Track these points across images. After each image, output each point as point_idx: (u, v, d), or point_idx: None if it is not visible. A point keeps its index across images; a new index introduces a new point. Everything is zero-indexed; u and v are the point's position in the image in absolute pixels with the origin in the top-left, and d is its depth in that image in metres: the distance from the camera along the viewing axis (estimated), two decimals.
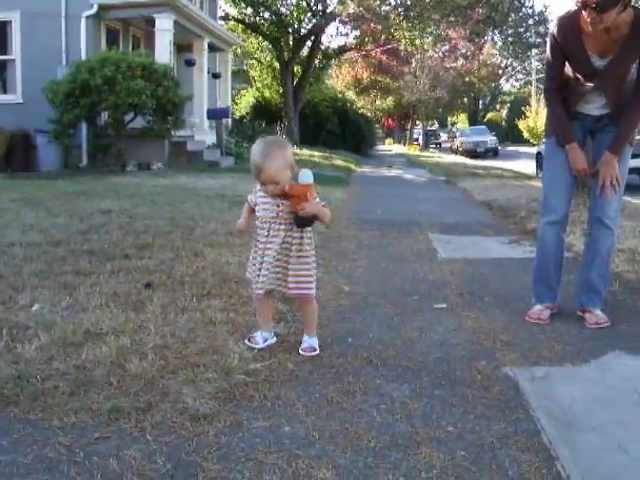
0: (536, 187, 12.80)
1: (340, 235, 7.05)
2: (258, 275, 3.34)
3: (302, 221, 3.27)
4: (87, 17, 15.65)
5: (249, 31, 32.35)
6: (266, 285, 3.35)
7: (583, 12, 3.53)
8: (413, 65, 44.47)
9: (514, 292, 4.71)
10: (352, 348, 3.46)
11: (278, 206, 3.27)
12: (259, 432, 2.53)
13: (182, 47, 19.61)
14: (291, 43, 32.02)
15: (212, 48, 20.88)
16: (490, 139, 38.95)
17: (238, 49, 30.41)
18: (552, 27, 3.96)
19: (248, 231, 3.52)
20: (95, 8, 15.60)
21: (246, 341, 3.41)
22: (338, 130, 31.58)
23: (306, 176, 3.27)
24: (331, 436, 2.51)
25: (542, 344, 3.59)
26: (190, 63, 18.97)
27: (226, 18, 30.99)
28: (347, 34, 35.54)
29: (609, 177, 3.85)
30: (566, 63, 3.87)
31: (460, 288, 4.81)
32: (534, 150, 21.65)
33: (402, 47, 36.58)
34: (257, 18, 31.56)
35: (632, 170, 13.35)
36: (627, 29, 3.58)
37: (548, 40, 3.98)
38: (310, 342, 3.42)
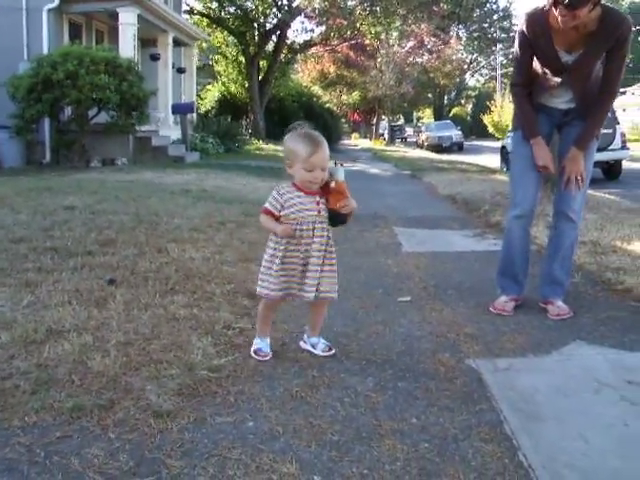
0: (500, 181, 12.94)
1: None
2: (299, 283, 3.12)
3: (340, 219, 3.12)
4: (49, 10, 15.49)
5: (214, 25, 32.19)
6: (313, 291, 3.13)
7: (554, 9, 3.55)
8: (379, 60, 44.49)
9: (478, 285, 4.75)
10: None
11: (318, 203, 3.08)
12: (223, 428, 2.52)
13: (146, 42, 19.49)
14: (257, 38, 31.96)
15: (177, 43, 20.77)
16: (455, 134, 39.14)
17: (203, 44, 30.24)
18: (520, 23, 3.97)
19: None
20: (57, 1, 15.46)
21: (253, 355, 3.24)
22: None
23: (342, 172, 3.10)
24: (295, 430, 2.51)
25: (505, 336, 3.62)
26: (155, 58, 18.85)
27: (191, 12, 30.83)
28: (312, 29, 35.53)
29: (574, 173, 3.89)
30: (534, 58, 3.91)
31: (424, 281, 4.84)
32: (498, 144, 21.83)
33: (368, 42, 36.66)
34: (222, 12, 31.49)
35: (595, 164, 13.31)
36: (595, 25, 3.61)
37: (516, 36, 3.99)
38: (325, 341, 3.36)
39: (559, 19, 3.54)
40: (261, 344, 3.29)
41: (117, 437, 2.41)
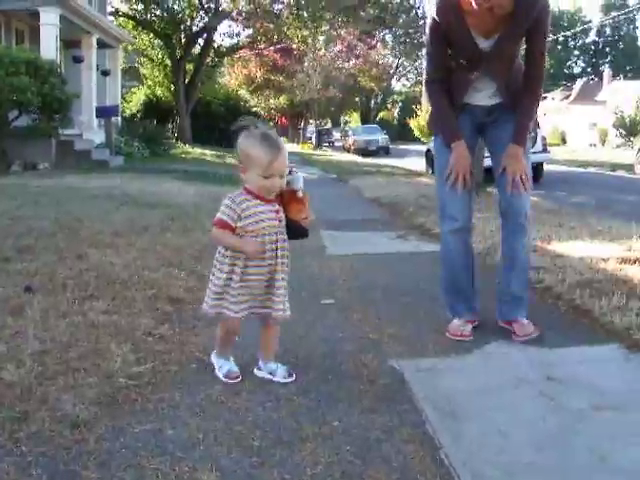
0: (424, 183, 13.13)
1: None
2: (263, 300, 2.91)
3: (301, 232, 2.89)
4: None
5: (140, 28, 31.80)
6: (284, 309, 2.95)
7: None
8: (306, 64, 44.62)
9: (402, 285, 4.79)
10: (238, 347, 3.40)
11: (277, 212, 2.82)
12: (141, 436, 2.47)
13: (70, 43, 19.07)
14: (183, 41, 31.72)
15: (101, 44, 20.39)
16: (382, 137, 39.62)
17: (129, 46, 29.80)
18: (430, 9, 3.62)
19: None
20: None
21: (223, 379, 3.00)
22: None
23: (301, 179, 2.84)
24: (216, 437, 2.48)
25: (428, 336, 3.65)
26: (78, 60, 18.47)
27: (116, 14, 30.39)
28: (239, 33, 35.44)
29: (519, 172, 3.51)
30: (447, 49, 3.58)
31: (348, 283, 4.85)
32: (424, 148, 22.11)
33: (295, 46, 36.74)
34: (148, 15, 31.14)
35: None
36: (510, 6, 3.28)
37: (427, 25, 3.61)
38: (284, 366, 3.07)
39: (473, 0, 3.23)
40: (228, 365, 3.06)
41: (30, 450, 2.32)
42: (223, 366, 3.06)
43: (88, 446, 2.37)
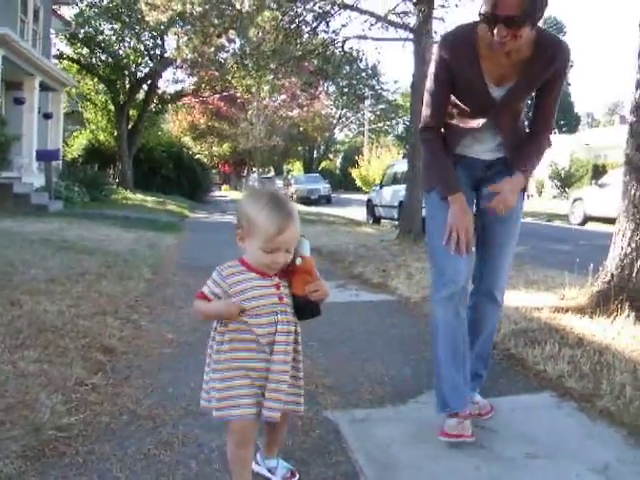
0: (364, 233, 13.27)
1: (167, 281, 6.94)
2: (262, 395, 2.27)
3: (311, 309, 2.34)
4: None
5: (84, 72, 31.64)
6: (282, 405, 2.32)
7: (488, 28, 2.74)
8: (250, 112, 44.93)
9: (339, 336, 4.78)
10: (172, 398, 3.37)
11: (278, 287, 2.29)
12: None
13: (11, 84, 18.84)
14: (127, 86, 31.64)
15: (44, 87, 20.21)
16: (323, 187, 39.95)
17: (72, 89, 29.59)
18: (439, 47, 3.06)
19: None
20: None
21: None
22: (173, 175, 31.38)
23: (307, 245, 2.35)
24: None
25: (363, 387, 3.65)
26: (19, 102, 18.25)
27: (61, 57, 30.19)
28: (183, 80, 35.54)
29: (507, 203, 2.96)
30: (450, 94, 3.10)
31: None
32: (365, 197, 22.35)
33: (239, 94, 36.95)
34: (93, 59, 31.00)
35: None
36: (529, 51, 2.88)
37: (432, 64, 3.10)
38: (286, 464, 2.61)
39: (495, 40, 2.73)
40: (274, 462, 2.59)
41: None
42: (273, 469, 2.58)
43: None
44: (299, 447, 2.84)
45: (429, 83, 3.11)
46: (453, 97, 3.09)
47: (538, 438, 2.98)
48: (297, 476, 2.56)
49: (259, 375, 2.27)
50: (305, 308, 2.33)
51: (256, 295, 2.25)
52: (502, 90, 2.98)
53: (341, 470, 2.64)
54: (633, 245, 5.06)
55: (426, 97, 3.15)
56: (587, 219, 19.96)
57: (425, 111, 3.16)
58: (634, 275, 5.02)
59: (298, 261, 2.28)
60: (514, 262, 7.09)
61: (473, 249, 3.12)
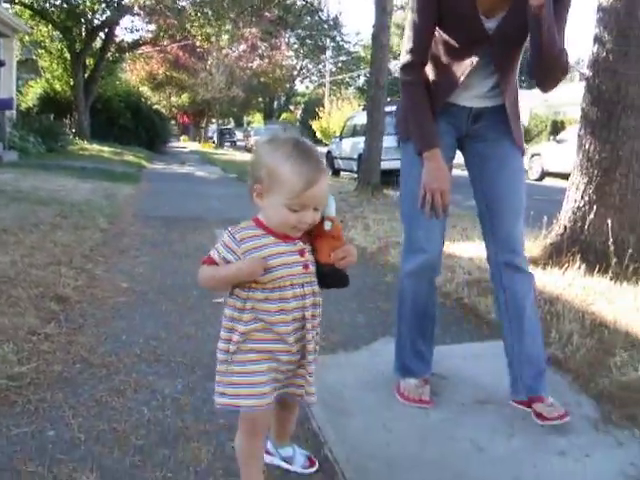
0: None
1: (123, 231, 6.87)
2: (295, 375, 2.01)
3: (338, 278, 1.98)
4: None
5: (38, 18, 30.69)
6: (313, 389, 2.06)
7: None
8: (209, 62, 44.24)
9: None
10: (126, 346, 3.36)
11: (302, 253, 1.92)
12: (20, 439, 2.39)
13: None
14: (84, 34, 30.79)
15: None
16: None
17: (25, 37, 28.75)
18: None
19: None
20: None
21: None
22: (131, 126, 30.85)
23: (333, 203, 1.98)
24: (98, 437, 2.43)
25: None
26: None
27: (12, 2, 29.23)
28: (141, 28, 34.85)
29: None
30: (436, 25, 2.64)
31: None
32: (325, 149, 22.28)
33: (198, 44, 36.38)
34: (47, 4, 30.05)
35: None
36: None
37: None
38: (304, 451, 2.35)
39: None
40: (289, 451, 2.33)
41: None
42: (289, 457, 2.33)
43: None
44: None
45: (412, 13, 2.66)
46: (439, 32, 2.66)
47: (487, 384, 3.06)
48: (316, 464, 2.30)
49: (287, 357, 1.94)
50: (332, 277, 1.97)
51: (279, 263, 1.87)
52: (495, 21, 2.55)
53: None
54: (586, 198, 5.13)
55: (408, 29, 2.69)
56: (545, 174, 20.20)
57: (407, 44, 2.69)
58: (586, 228, 5.11)
59: (327, 225, 1.92)
60: (470, 215, 7.16)
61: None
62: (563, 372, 3.19)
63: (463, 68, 2.64)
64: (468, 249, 5.88)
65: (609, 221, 4.97)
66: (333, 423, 2.62)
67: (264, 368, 1.89)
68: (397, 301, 3.03)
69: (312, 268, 1.94)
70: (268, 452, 2.29)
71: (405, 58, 2.69)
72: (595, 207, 5.07)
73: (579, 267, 4.88)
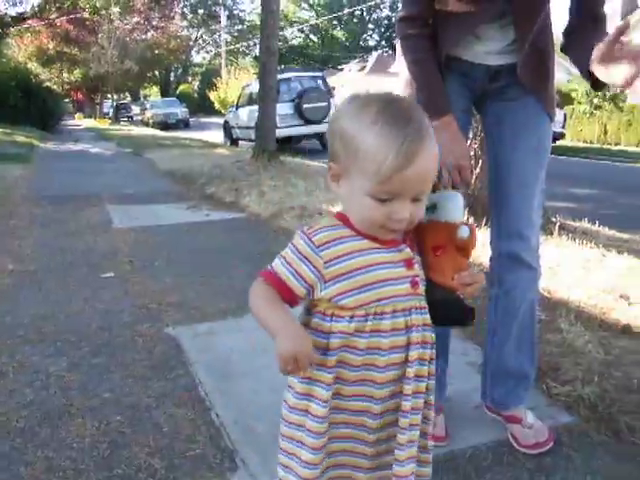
0: (220, 154, 13.17)
1: (11, 212, 6.67)
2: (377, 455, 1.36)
3: (460, 311, 1.40)
4: None
5: None
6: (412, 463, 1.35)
7: None
8: (100, 36, 42.95)
9: (186, 255, 4.79)
10: (10, 327, 3.29)
11: (409, 265, 1.31)
12: None
13: None
14: None
15: None
16: (181, 111, 39.34)
17: None
18: None
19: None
20: None
21: None
22: (21, 104, 29.72)
23: (460, 200, 1.47)
24: None
25: (208, 302, 3.68)
26: None
27: None
28: (25, 1, 33.47)
29: None
30: None
31: (131, 255, 4.77)
32: (222, 120, 22.05)
33: (88, 17, 35.30)
34: None
35: (312, 135, 13.76)
36: None
37: None
38: None
39: None
40: None
41: None
42: None
43: None
44: (140, 365, 2.84)
45: None
46: None
47: None
48: None
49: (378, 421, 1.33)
50: (451, 309, 1.38)
51: (378, 279, 1.27)
52: None
53: (181, 383, 2.67)
54: None
55: None
56: None
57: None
58: None
59: (464, 232, 1.38)
60: None
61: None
62: None
63: (470, 21, 2.06)
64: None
65: None
66: (220, 388, 2.64)
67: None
68: None
69: (422, 287, 1.34)
70: None
71: (405, 9, 2.14)
72: None
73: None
